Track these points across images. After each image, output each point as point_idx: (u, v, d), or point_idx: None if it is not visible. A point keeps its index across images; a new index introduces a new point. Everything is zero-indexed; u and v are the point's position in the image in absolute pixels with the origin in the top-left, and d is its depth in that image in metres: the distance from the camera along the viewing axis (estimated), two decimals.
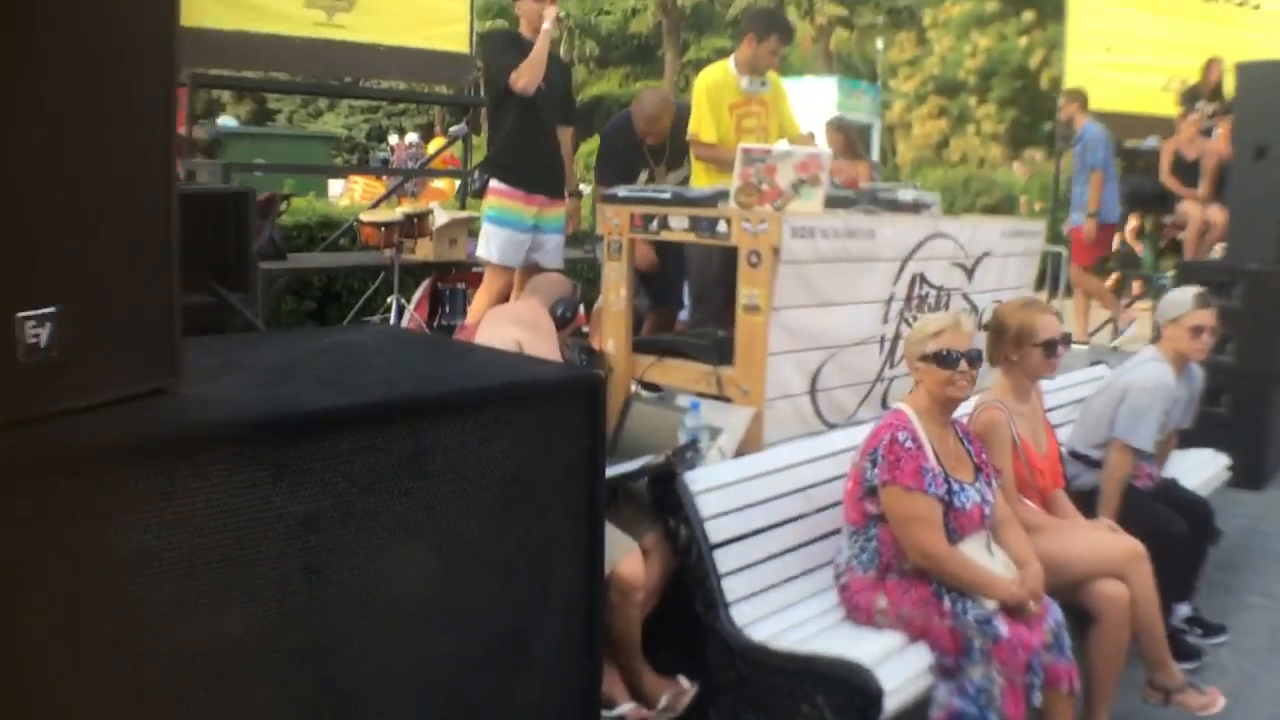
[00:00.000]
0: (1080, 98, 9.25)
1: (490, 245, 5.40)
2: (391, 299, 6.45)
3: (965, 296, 4.82)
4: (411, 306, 6.67)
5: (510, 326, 3.64)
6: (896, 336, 4.41)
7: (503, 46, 5.43)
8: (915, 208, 4.76)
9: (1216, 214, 8.74)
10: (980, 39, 24.11)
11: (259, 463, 1.55)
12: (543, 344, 3.58)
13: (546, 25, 5.29)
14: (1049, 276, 10.61)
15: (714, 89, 5.38)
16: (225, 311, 2.82)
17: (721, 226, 3.93)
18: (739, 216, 3.87)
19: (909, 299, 4.45)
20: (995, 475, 3.36)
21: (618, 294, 4.36)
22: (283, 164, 12.93)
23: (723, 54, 5.62)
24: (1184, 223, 9.39)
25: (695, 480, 3.19)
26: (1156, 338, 4.43)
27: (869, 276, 4.21)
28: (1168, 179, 9.47)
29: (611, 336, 4.41)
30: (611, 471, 3.47)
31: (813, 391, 4.06)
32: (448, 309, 6.86)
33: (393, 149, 20.33)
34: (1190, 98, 9.78)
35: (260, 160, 13.79)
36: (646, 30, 35.03)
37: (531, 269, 5.40)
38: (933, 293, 4.60)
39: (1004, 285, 5.05)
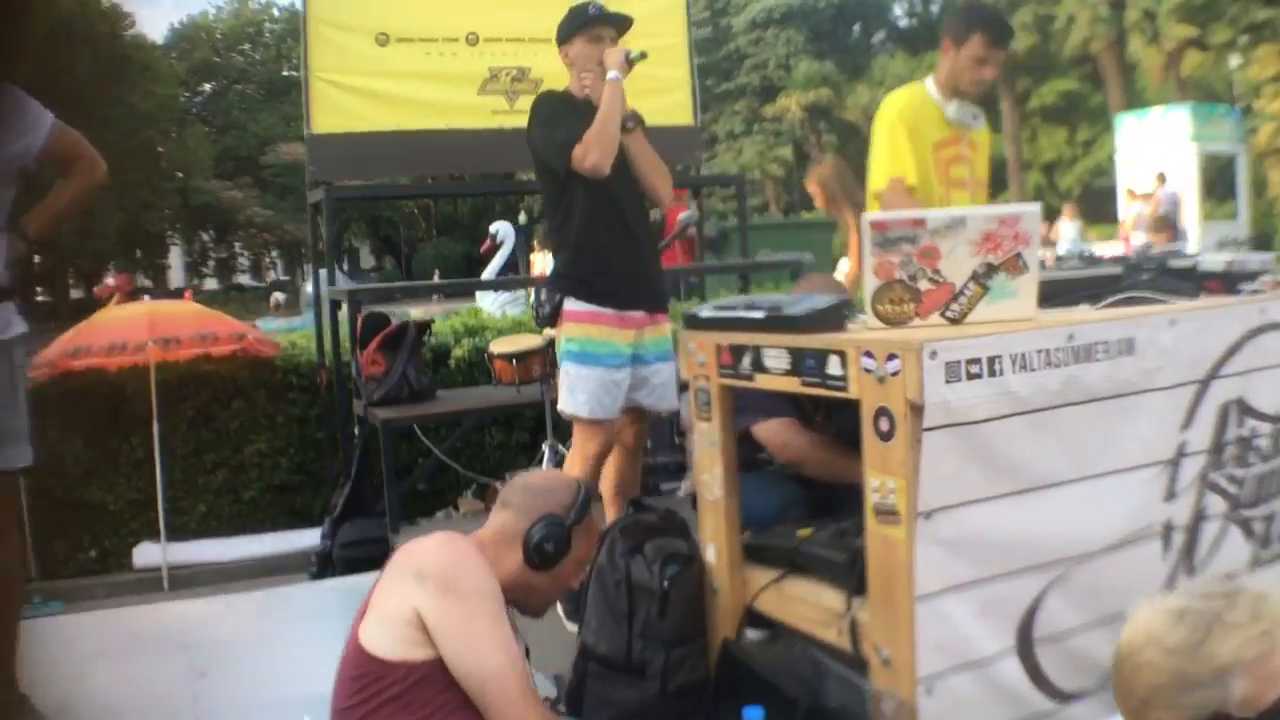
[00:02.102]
0: None
1: (576, 394, 3.72)
2: (546, 445, 5.10)
3: None
4: None
5: (409, 584, 2.07)
6: (1198, 518, 2.53)
7: (550, 117, 3.76)
8: (1228, 281, 2.83)
9: None
10: None
11: None
12: (461, 615, 2.00)
13: (613, 74, 3.65)
14: None
15: (909, 113, 3.73)
16: None
17: (834, 365, 2.26)
18: (857, 347, 2.19)
19: (1219, 449, 2.56)
20: None
21: (713, 474, 2.77)
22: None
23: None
24: None
25: None
26: None
27: (1130, 422, 2.38)
28: None
29: (710, 539, 2.81)
30: None
31: (1025, 646, 2.27)
32: None
33: None
34: None
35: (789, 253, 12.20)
36: None
37: (633, 414, 3.85)
38: (1266, 429, 2.67)
39: None
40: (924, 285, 2.32)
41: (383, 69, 6.15)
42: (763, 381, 2.51)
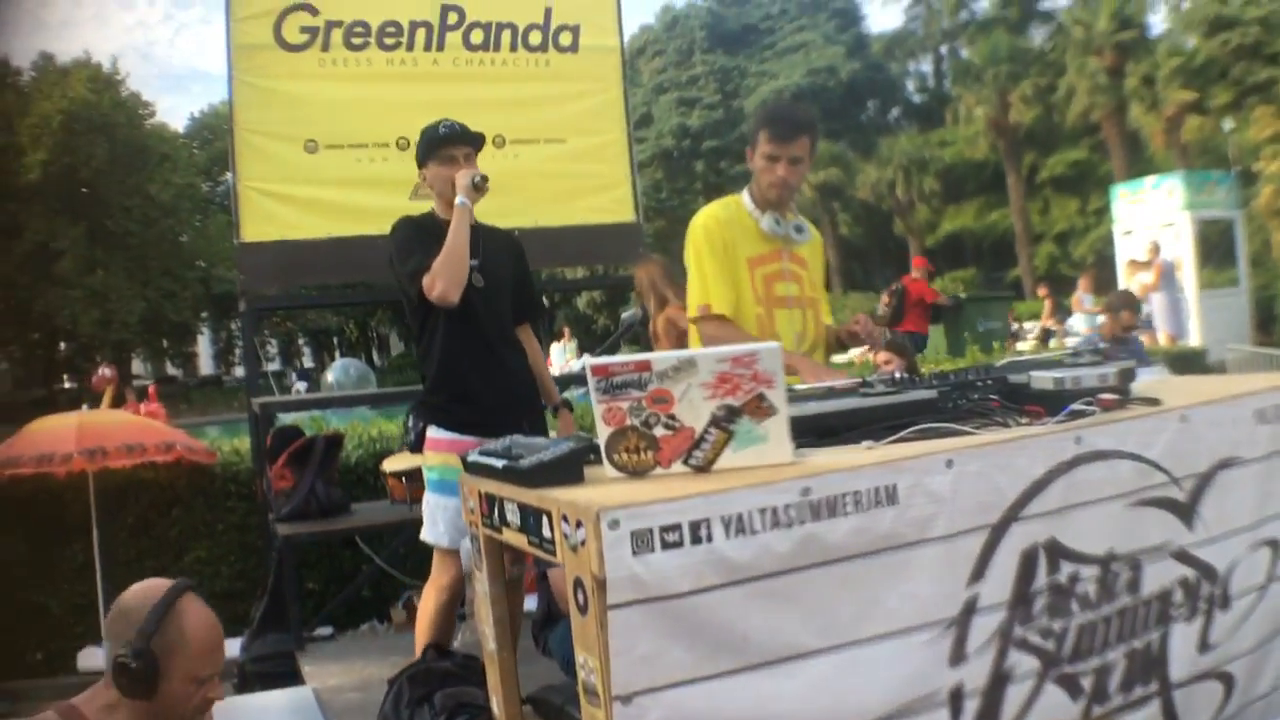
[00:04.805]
0: None
1: (436, 524, 3.61)
2: None
3: (1185, 557, 2.56)
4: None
5: None
6: (999, 681, 2.27)
7: (403, 244, 3.64)
8: (1054, 403, 2.55)
9: None
10: None
11: None
12: None
13: (460, 199, 3.57)
14: None
15: (715, 230, 3.52)
16: None
17: (545, 526, 2.06)
18: (558, 509, 1.99)
19: (1025, 601, 2.30)
20: None
21: (488, 626, 2.56)
22: None
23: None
24: None
25: None
26: None
27: (897, 580, 2.13)
28: None
29: (493, 692, 2.60)
30: None
31: None
32: None
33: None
34: None
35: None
36: (981, 155, 32.45)
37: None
38: (1090, 573, 2.41)
39: (1271, 514, 2.74)
40: (660, 432, 2.11)
41: (313, 176, 6.08)
42: (508, 536, 2.31)
